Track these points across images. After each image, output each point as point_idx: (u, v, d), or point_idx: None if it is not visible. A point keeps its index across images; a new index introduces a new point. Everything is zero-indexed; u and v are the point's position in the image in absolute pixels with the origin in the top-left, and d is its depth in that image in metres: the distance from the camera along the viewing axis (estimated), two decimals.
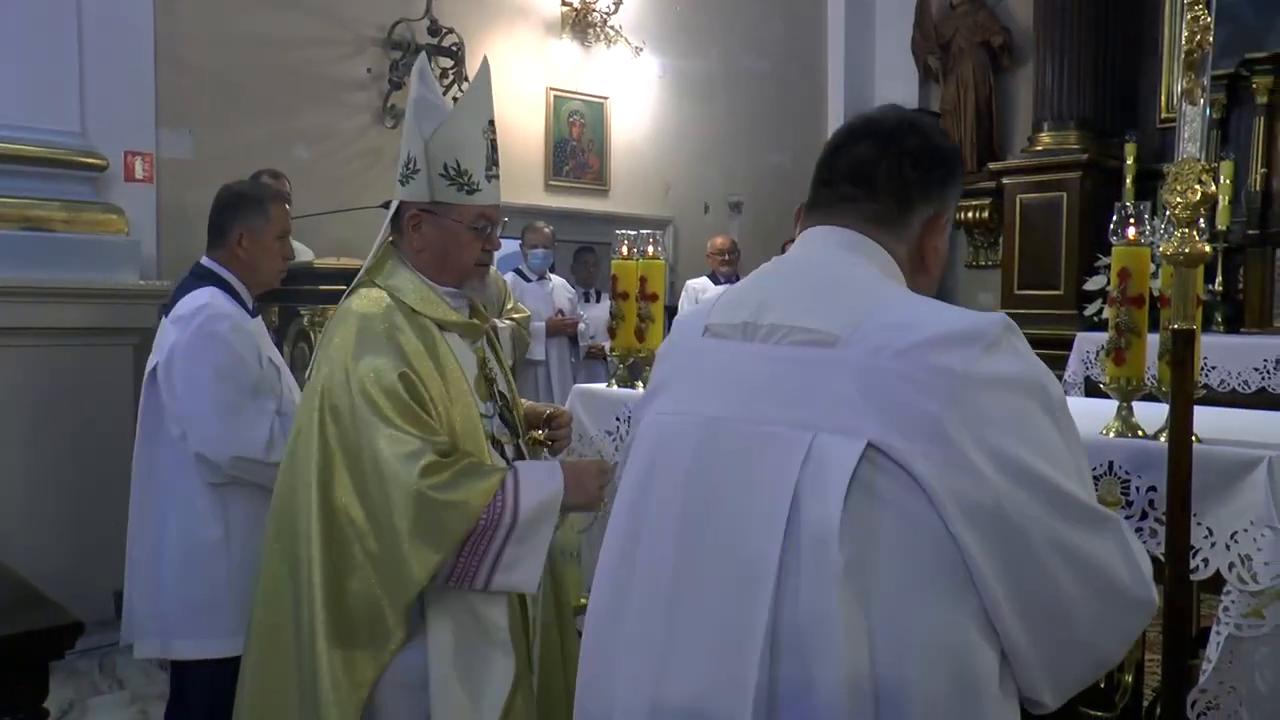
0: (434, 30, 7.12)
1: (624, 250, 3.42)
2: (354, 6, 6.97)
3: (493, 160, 2.46)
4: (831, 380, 1.36)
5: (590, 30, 8.10)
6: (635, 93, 8.64)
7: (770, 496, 1.34)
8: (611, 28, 8.18)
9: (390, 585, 2.20)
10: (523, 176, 7.79)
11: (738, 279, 7.82)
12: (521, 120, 7.87)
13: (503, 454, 2.45)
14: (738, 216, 9.29)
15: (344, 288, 3.06)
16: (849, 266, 1.52)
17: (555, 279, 7.60)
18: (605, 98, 8.45)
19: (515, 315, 6.15)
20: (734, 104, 9.11)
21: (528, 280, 7.38)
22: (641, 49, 8.43)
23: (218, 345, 3.03)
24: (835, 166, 1.63)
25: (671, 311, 7.70)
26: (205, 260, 3.27)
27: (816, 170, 1.67)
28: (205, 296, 3.13)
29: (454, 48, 7.21)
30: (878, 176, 1.58)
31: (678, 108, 8.75)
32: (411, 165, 2.42)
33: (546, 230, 7.44)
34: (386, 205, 6.59)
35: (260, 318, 3.34)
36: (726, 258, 7.94)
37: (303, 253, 5.16)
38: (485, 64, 2.53)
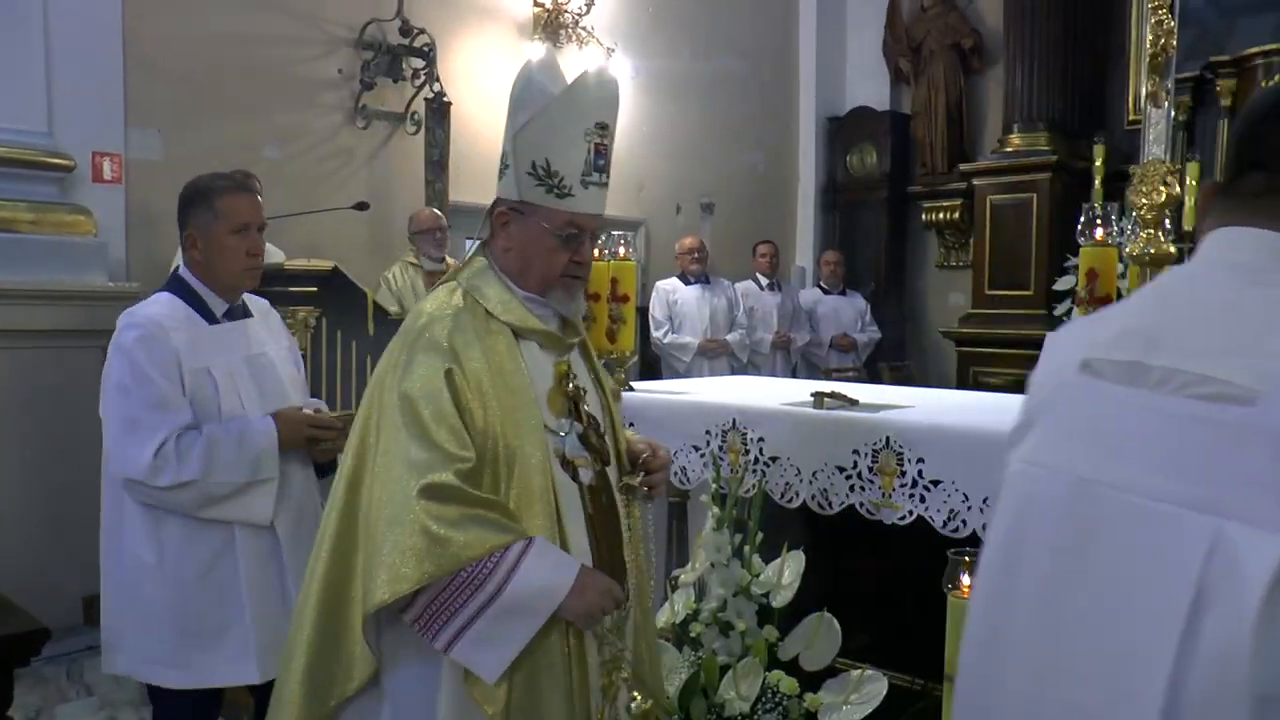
0: (405, 31, 7.10)
1: (595, 251, 3.42)
2: (325, 6, 6.94)
3: (596, 166, 2.24)
4: (1244, 451, 1.05)
5: (562, 31, 8.10)
6: None
7: (1162, 595, 1.07)
8: (583, 29, 8.17)
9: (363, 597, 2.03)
10: (493, 178, 7.73)
11: (707, 279, 7.91)
12: (493, 122, 7.81)
13: (575, 476, 2.21)
14: (710, 217, 9.31)
15: (314, 290, 3.03)
16: (1274, 289, 1.17)
17: None
18: None
19: None
20: (706, 105, 9.12)
21: None
22: (614, 50, 8.43)
23: (120, 357, 2.81)
24: (1271, 143, 1.23)
25: (643, 313, 7.72)
26: (180, 264, 3.05)
27: (1237, 146, 1.29)
28: (145, 304, 2.95)
29: (425, 48, 7.20)
30: None
31: (650, 109, 8.75)
32: (503, 160, 2.27)
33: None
34: (358, 206, 6.56)
35: (247, 321, 3.05)
36: (696, 256, 7.95)
37: (273, 254, 5.13)
38: (603, 65, 2.33)
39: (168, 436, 2.74)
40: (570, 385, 2.28)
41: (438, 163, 7.28)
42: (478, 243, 2.34)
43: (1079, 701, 1.15)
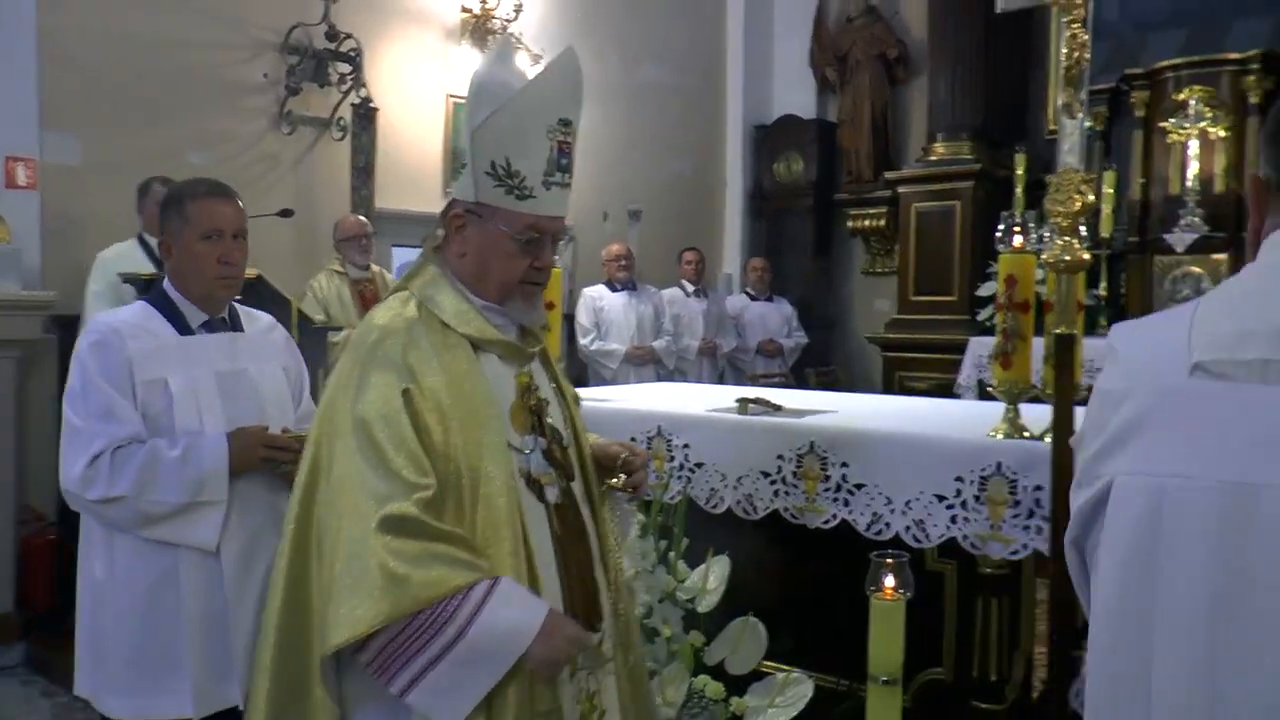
0: (332, 35, 7.04)
1: None
2: (250, 9, 6.85)
3: (559, 165, 2.10)
4: None
5: (490, 37, 8.07)
6: None
7: None
8: (512, 35, 8.16)
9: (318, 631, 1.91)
10: (421, 185, 7.72)
11: (634, 286, 7.93)
12: (420, 128, 7.81)
13: (541, 496, 2.09)
14: (637, 224, 9.33)
15: (239, 298, 2.95)
16: None
17: None
18: None
19: None
20: (634, 112, 9.15)
21: None
22: (542, 57, 8.42)
23: (74, 363, 2.69)
24: None
25: (570, 320, 7.73)
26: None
27: None
28: (115, 310, 2.84)
29: (352, 53, 7.14)
30: None
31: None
32: (459, 158, 2.10)
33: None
34: (283, 213, 6.46)
35: (229, 334, 2.87)
36: (623, 263, 7.97)
37: None
38: (569, 54, 2.14)
39: (105, 448, 2.59)
40: (533, 399, 2.17)
41: (364, 169, 7.23)
42: (426, 249, 2.22)
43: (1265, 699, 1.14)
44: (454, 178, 1.98)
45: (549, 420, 2.19)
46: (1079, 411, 2.58)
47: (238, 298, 2.93)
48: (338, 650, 1.86)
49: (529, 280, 2.14)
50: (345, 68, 7.13)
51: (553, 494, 2.13)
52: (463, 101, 7.99)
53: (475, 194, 2.08)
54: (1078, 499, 1.33)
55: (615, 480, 2.32)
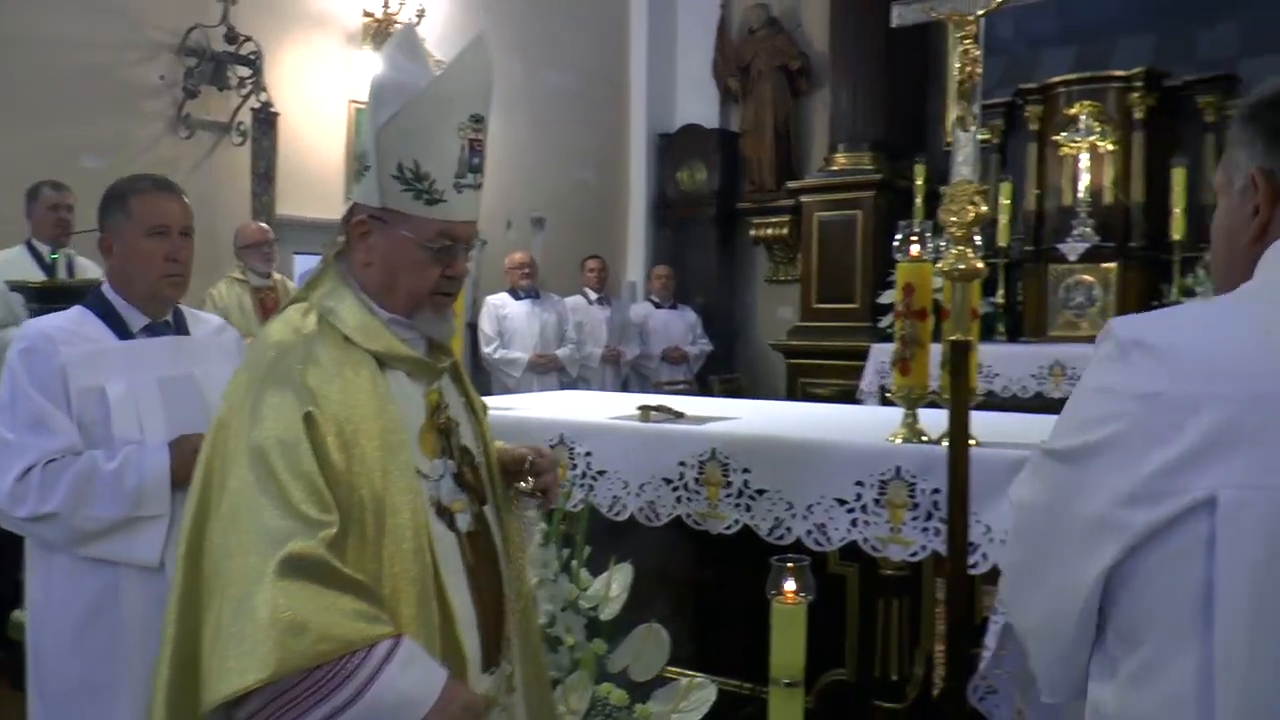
0: (231, 38, 6.92)
1: None
2: (145, 9, 6.70)
3: (470, 166, 1.93)
4: None
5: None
6: None
7: None
8: (415, 29, 8.10)
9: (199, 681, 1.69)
10: (323, 191, 7.63)
11: (537, 294, 7.92)
12: (322, 133, 7.71)
13: (451, 525, 1.94)
14: (541, 232, 9.32)
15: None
16: None
17: None
18: None
19: None
20: (538, 120, 9.14)
21: None
22: (444, 63, 8.36)
23: (5, 374, 2.55)
24: None
25: (472, 329, 7.69)
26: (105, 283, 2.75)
27: None
28: (49, 315, 2.68)
29: (252, 56, 7.02)
30: None
31: None
32: (362, 159, 1.94)
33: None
34: None
35: (171, 338, 2.73)
36: (525, 271, 7.96)
37: (91, 269, 4.94)
38: (479, 44, 1.99)
39: (35, 461, 2.43)
40: (443, 418, 2.00)
41: (264, 175, 7.13)
42: (326, 256, 2.02)
43: None
44: (356, 181, 1.87)
45: (460, 441, 2.03)
46: (975, 416, 2.66)
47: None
48: (220, 705, 1.64)
49: (440, 291, 1.97)
50: (245, 71, 7.02)
51: (464, 521, 1.96)
52: (364, 106, 7.91)
53: (380, 199, 1.90)
54: (1132, 515, 1.19)
55: (523, 484, 2.18)
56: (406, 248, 1.92)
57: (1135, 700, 1.21)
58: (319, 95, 7.67)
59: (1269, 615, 1.12)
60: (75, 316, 2.64)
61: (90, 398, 2.53)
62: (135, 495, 2.48)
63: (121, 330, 2.64)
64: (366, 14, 7.90)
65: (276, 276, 6.36)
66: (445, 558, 1.88)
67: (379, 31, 7.92)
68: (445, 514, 1.93)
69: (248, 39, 7.00)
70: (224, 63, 6.93)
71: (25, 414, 2.48)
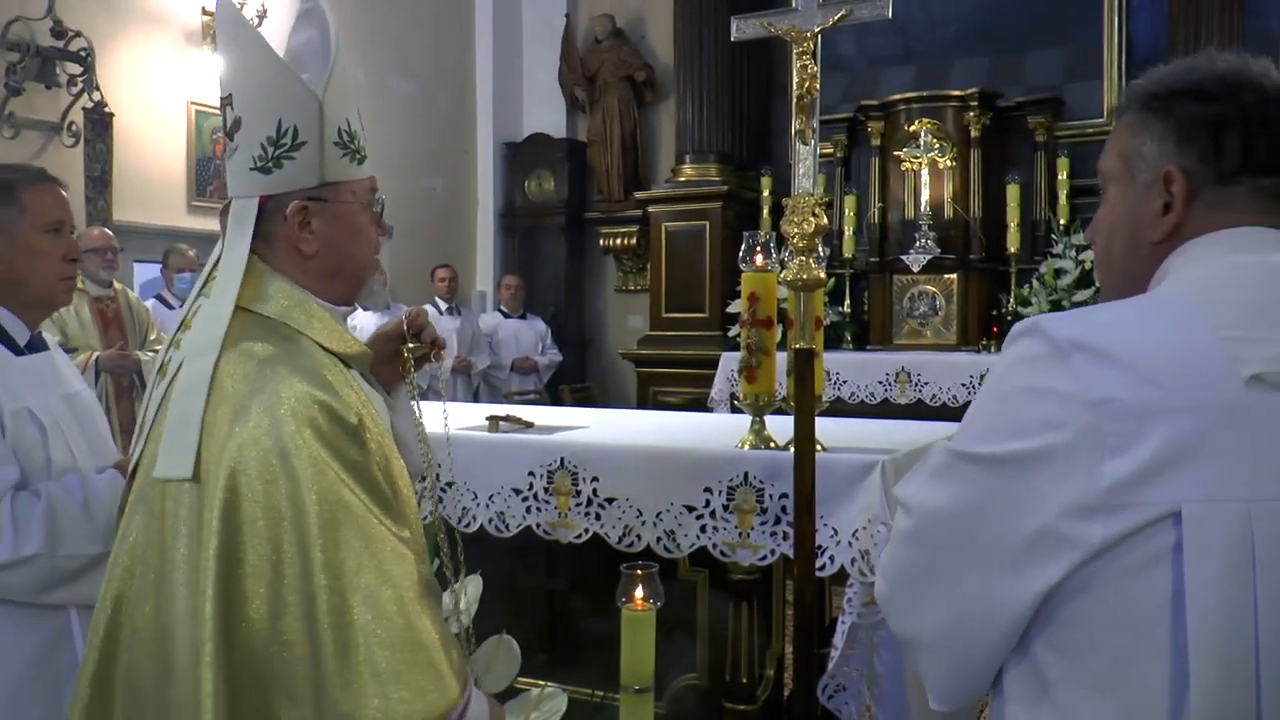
0: (58, 32, 6.62)
1: None
2: None
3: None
4: None
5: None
6: None
7: None
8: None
9: None
10: (163, 196, 7.39)
11: (387, 305, 7.77)
12: (160, 135, 7.46)
13: None
14: (389, 241, 9.18)
15: None
16: None
17: None
18: None
19: (158, 346, 5.81)
20: (383, 126, 9.01)
21: (171, 307, 6.96)
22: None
23: None
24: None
25: None
26: None
27: (1248, 144, 1.30)
28: None
29: (82, 53, 6.74)
30: None
31: None
32: (289, 138, 1.73)
33: (191, 254, 7.05)
34: None
35: (48, 354, 2.43)
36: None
37: None
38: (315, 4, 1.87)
39: None
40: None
41: (100, 178, 6.85)
42: (234, 262, 1.75)
43: None
44: (269, 169, 1.70)
45: None
46: (822, 422, 2.71)
47: None
48: None
49: (376, 252, 1.88)
50: (75, 68, 6.74)
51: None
52: (207, 109, 7.72)
53: (321, 174, 1.76)
54: (1086, 529, 1.15)
55: (411, 345, 2.07)
56: (352, 216, 1.81)
57: (1100, 707, 1.17)
58: (157, 96, 7.42)
59: (1240, 627, 1.10)
60: None
61: (21, 421, 2.23)
62: (107, 527, 2.19)
63: (12, 345, 2.32)
64: (206, 13, 7.67)
65: (117, 286, 6.10)
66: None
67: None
68: None
69: (77, 34, 6.72)
70: (51, 59, 6.63)
71: None
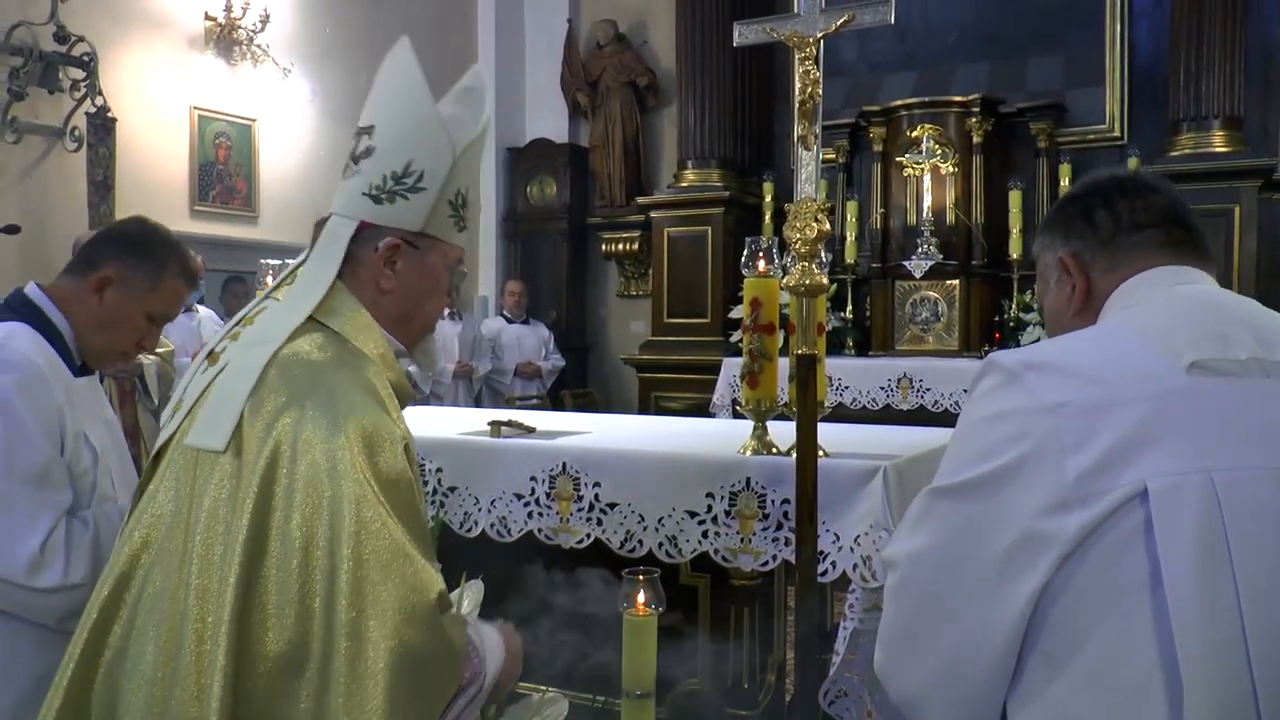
0: (61, 37, 6.63)
1: (269, 281, 3.32)
2: None
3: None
4: None
5: (236, 48, 7.81)
6: (285, 115, 8.41)
7: None
8: (258, 46, 7.91)
9: None
10: (165, 201, 7.39)
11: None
12: (163, 140, 7.47)
13: None
14: None
15: None
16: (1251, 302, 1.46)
17: (203, 311, 7.22)
18: (253, 119, 8.17)
19: (159, 350, 5.80)
20: None
21: None
22: (290, 70, 8.21)
23: None
24: (1152, 210, 1.54)
25: None
26: (32, 288, 2.28)
27: (1116, 215, 1.55)
28: (9, 334, 2.16)
29: (85, 58, 6.75)
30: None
31: (330, 132, 8.57)
32: (412, 179, 1.79)
33: (199, 260, 7.06)
34: (7, 229, 6.04)
35: (96, 377, 2.41)
36: None
37: None
38: (476, 77, 1.99)
39: (55, 522, 2.06)
40: None
41: (102, 183, 6.86)
42: (316, 276, 1.79)
43: None
44: (381, 200, 1.76)
45: None
46: (824, 427, 2.71)
47: None
48: None
49: (439, 317, 1.95)
50: (78, 73, 6.75)
51: None
52: (210, 114, 7.75)
53: (424, 224, 1.81)
54: (1062, 523, 1.22)
55: None
56: (437, 275, 1.85)
57: (1088, 705, 1.21)
58: (160, 101, 7.43)
59: (1217, 592, 1.16)
60: (33, 340, 2.19)
61: (79, 444, 2.17)
62: None
63: (73, 366, 2.26)
64: (209, 18, 7.69)
65: None
66: None
67: (221, 37, 7.72)
68: None
69: (80, 39, 6.73)
70: (55, 64, 6.64)
71: (30, 464, 2.07)
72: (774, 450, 2.79)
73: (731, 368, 7.54)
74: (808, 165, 2.68)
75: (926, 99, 8.01)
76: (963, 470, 1.32)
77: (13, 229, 5.70)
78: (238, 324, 1.83)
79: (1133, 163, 7.20)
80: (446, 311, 8.25)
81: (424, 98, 1.85)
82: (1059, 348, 1.37)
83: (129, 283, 2.28)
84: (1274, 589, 1.17)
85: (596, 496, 2.95)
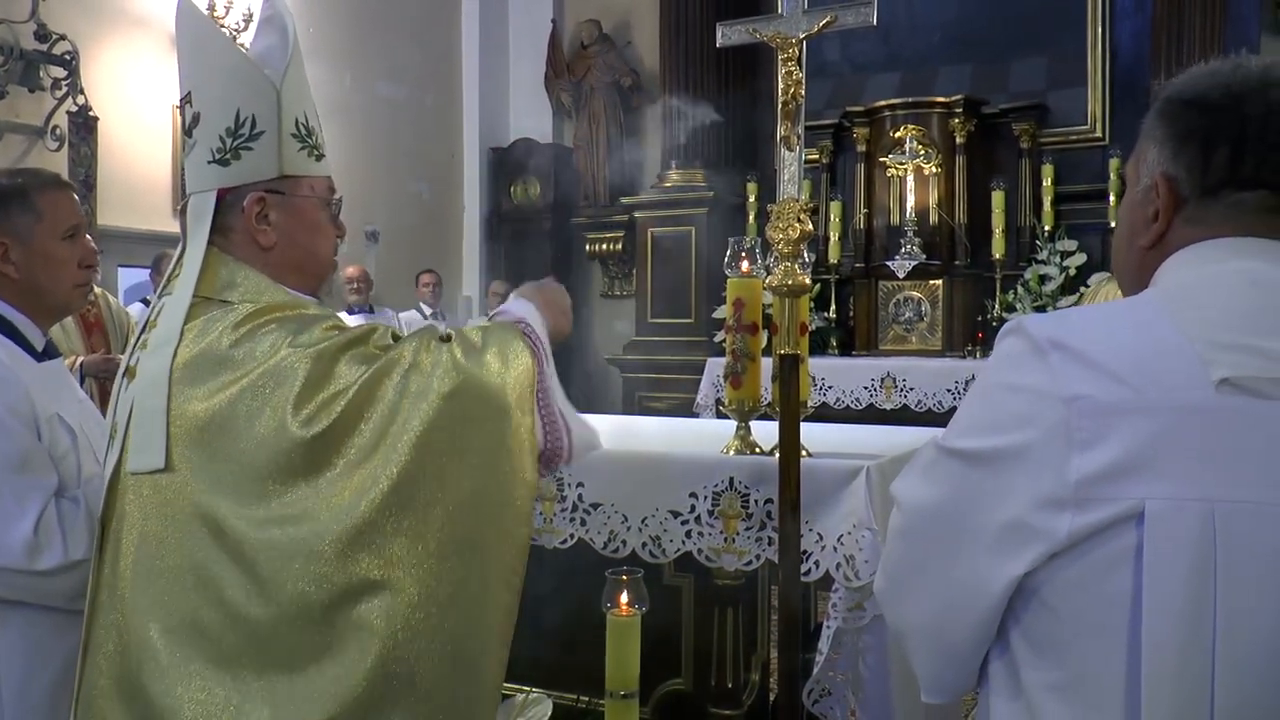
0: (42, 35, 6.60)
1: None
2: None
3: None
4: None
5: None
6: None
7: None
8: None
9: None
10: (147, 200, 7.36)
11: (371, 310, 7.79)
12: (145, 139, 7.44)
13: None
14: (375, 246, 9.17)
15: None
16: None
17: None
18: None
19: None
20: (370, 132, 8.99)
21: None
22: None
23: None
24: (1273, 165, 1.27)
25: None
26: None
27: (1235, 157, 1.28)
28: None
29: (67, 56, 6.72)
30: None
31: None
32: (248, 127, 1.74)
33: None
34: None
35: (61, 359, 2.40)
36: (357, 286, 7.85)
37: None
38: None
39: (45, 504, 2.07)
40: None
41: (84, 182, 6.83)
42: (195, 254, 1.76)
43: None
44: (227, 160, 1.73)
45: None
46: (807, 427, 2.72)
47: None
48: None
49: (335, 254, 1.90)
50: (59, 72, 6.71)
51: None
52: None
53: (279, 166, 1.77)
54: (1054, 521, 1.17)
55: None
56: (310, 211, 1.82)
57: (1057, 711, 1.19)
58: (142, 100, 7.39)
59: (1196, 630, 1.11)
60: None
61: (55, 428, 2.18)
62: None
63: (32, 351, 2.25)
64: None
65: (98, 291, 6.07)
66: None
67: None
68: None
69: (61, 38, 6.70)
70: (35, 62, 6.61)
71: (14, 451, 2.09)
72: (757, 450, 2.79)
73: (715, 368, 7.54)
74: (791, 165, 2.69)
75: (909, 99, 8.05)
76: (972, 435, 1.28)
77: None
78: (144, 331, 1.82)
79: (1114, 163, 7.23)
80: (429, 311, 8.27)
81: (225, 45, 1.85)
82: (1091, 327, 1.25)
83: (18, 233, 2.22)
84: (1255, 638, 1.11)
85: (580, 497, 2.95)
